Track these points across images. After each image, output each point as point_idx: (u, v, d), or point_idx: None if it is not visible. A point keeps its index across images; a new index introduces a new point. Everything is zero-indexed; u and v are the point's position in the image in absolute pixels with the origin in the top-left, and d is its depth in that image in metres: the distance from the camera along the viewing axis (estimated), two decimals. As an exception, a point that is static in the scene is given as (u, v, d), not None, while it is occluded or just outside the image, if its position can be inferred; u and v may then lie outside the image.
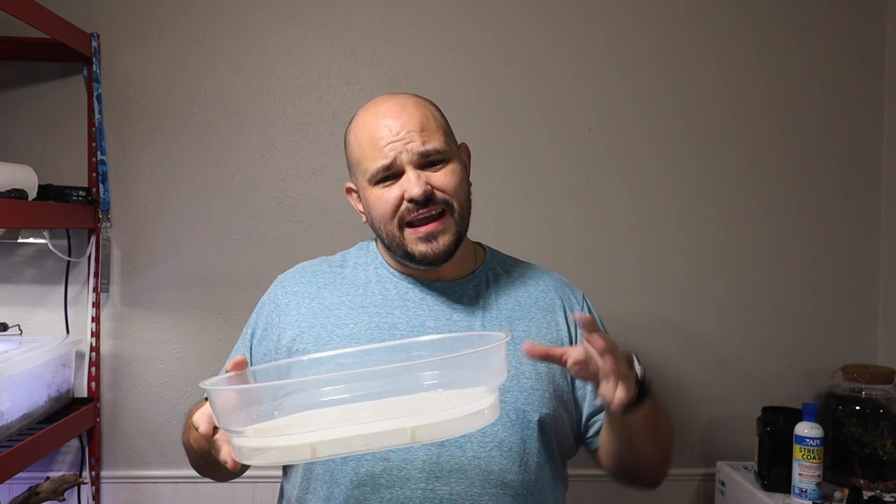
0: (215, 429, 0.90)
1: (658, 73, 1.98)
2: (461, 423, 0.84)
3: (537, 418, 1.12)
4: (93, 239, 1.86)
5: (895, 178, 2.00)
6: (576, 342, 1.21)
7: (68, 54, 1.79)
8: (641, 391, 0.99)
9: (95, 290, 1.87)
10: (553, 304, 1.23)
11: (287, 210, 1.92)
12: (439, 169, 1.13)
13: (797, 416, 1.71)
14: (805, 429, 1.67)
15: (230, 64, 1.91)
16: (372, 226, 1.18)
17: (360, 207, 1.21)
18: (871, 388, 1.78)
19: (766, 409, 1.80)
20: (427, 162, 1.12)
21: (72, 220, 1.78)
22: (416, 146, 1.11)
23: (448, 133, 1.17)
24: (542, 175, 1.96)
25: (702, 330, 2.00)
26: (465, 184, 1.16)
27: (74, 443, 1.87)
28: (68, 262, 1.86)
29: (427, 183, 1.11)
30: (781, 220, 2.01)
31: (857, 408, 1.76)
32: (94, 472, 1.87)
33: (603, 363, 0.93)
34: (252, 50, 1.91)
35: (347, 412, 0.83)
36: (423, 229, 1.12)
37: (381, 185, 1.13)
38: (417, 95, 1.19)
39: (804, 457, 1.66)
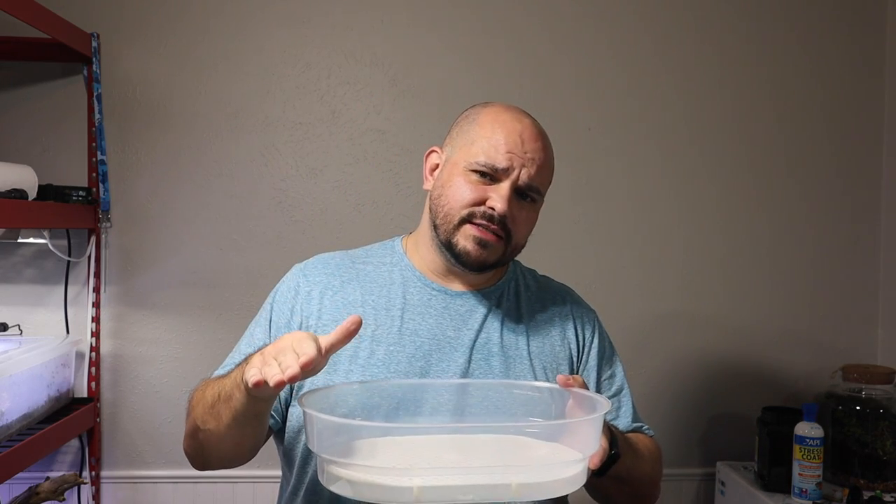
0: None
1: (658, 72, 1.98)
2: (559, 485, 0.86)
3: None
4: (93, 239, 1.86)
5: (895, 178, 2.00)
6: (582, 360, 1.22)
7: (68, 54, 1.79)
8: (607, 466, 0.99)
9: (95, 290, 1.87)
10: (567, 319, 1.23)
11: (287, 210, 1.92)
12: (525, 207, 1.14)
13: (797, 416, 1.71)
14: (805, 429, 1.66)
15: (230, 64, 1.91)
16: (432, 195, 1.17)
17: (432, 175, 1.19)
18: (871, 388, 1.78)
19: (766, 409, 1.80)
20: (522, 191, 1.13)
21: (72, 220, 1.78)
22: (527, 174, 1.12)
23: (549, 184, 1.19)
24: (542, 175, 1.96)
25: (701, 329, 2.00)
26: (530, 232, 1.18)
27: (74, 443, 1.87)
28: (68, 262, 1.86)
29: (511, 208, 1.11)
30: (782, 220, 2.01)
31: (857, 408, 1.76)
32: (94, 472, 1.87)
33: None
34: (252, 50, 1.91)
35: (451, 446, 0.84)
36: (482, 233, 1.11)
37: (475, 174, 1.12)
38: None
39: (804, 457, 1.65)
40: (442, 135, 1.23)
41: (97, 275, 1.87)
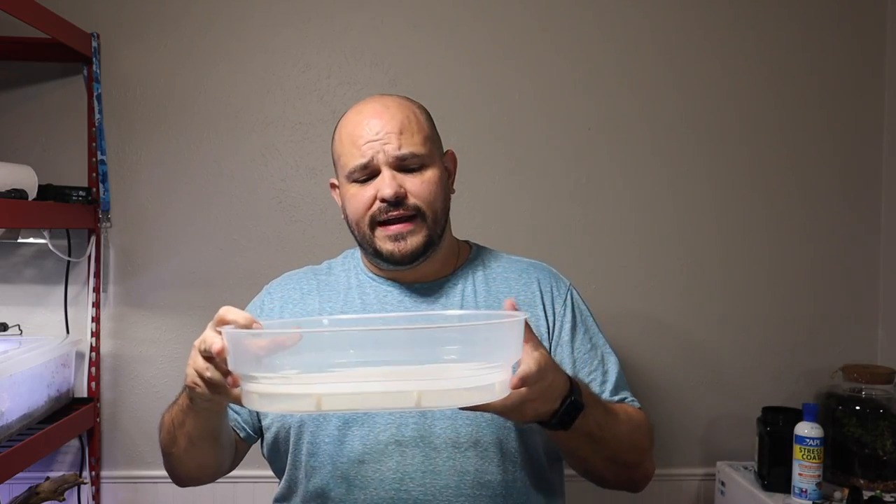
0: (225, 375, 0.89)
1: (658, 72, 1.98)
2: (469, 394, 0.82)
3: None
4: (93, 239, 1.86)
5: (895, 178, 2.00)
6: (554, 336, 1.19)
7: (68, 54, 1.79)
8: (568, 414, 0.95)
9: (95, 290, 1.87)
10: (534, 298, 1.21)
11: (287, 210, 1.92)
12: (416, 174, 1.14)
13: (797, 416, 1.71)
14: (805, 429, 1.66)
15: (230, 64, 1.91)
16: (347, 222, 1.20)
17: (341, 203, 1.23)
18: (871, 388, 1.78)
19: (766, 409, 1.80)
20: (403, 165, 1.13)
21: (72, 220, 1.78)
22: (392, 149, 1.12)
23: (430, 138, 1.17)
24: (542, 175, 1.96)
25: (702, 330, 2.00)
26: (441, 191, 1.16)
27: (74, 443, 1.87)
28: (68, 262, 1.86)
29: (401, 186, 1.12)
30: (782, 220, 2.01)
31: (857, 408, 1.76)
32: (94, 472, 1.87)
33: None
34: (252, 50, 1.91)
35: (360, 375, 0.83)
36: (393, 228, 1.13)
37: (357, 183, 1.15)
38: (406, 98, 1.20)
39: (804, 457, 1.66)
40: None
41: (97, 275, 1.87)
